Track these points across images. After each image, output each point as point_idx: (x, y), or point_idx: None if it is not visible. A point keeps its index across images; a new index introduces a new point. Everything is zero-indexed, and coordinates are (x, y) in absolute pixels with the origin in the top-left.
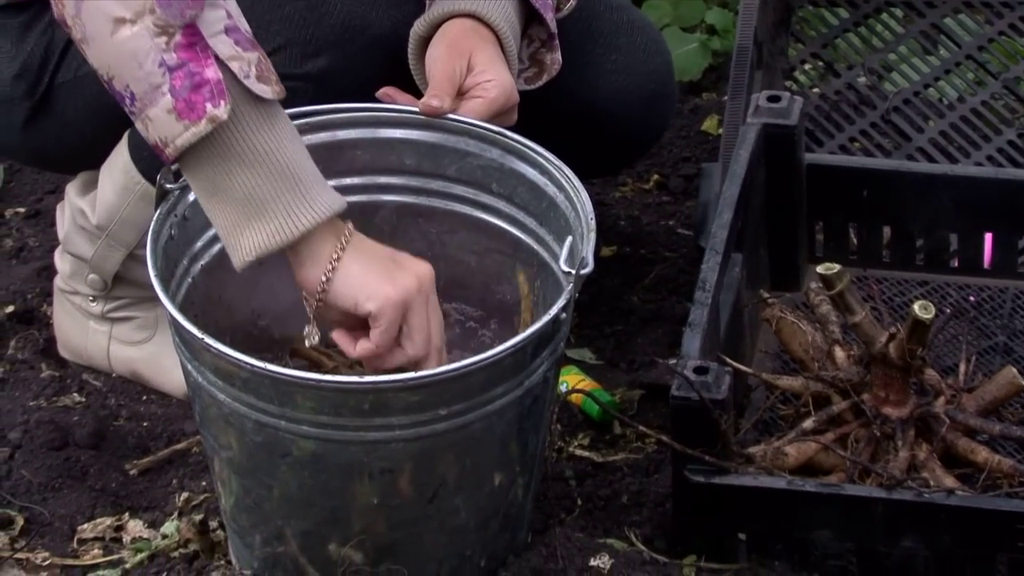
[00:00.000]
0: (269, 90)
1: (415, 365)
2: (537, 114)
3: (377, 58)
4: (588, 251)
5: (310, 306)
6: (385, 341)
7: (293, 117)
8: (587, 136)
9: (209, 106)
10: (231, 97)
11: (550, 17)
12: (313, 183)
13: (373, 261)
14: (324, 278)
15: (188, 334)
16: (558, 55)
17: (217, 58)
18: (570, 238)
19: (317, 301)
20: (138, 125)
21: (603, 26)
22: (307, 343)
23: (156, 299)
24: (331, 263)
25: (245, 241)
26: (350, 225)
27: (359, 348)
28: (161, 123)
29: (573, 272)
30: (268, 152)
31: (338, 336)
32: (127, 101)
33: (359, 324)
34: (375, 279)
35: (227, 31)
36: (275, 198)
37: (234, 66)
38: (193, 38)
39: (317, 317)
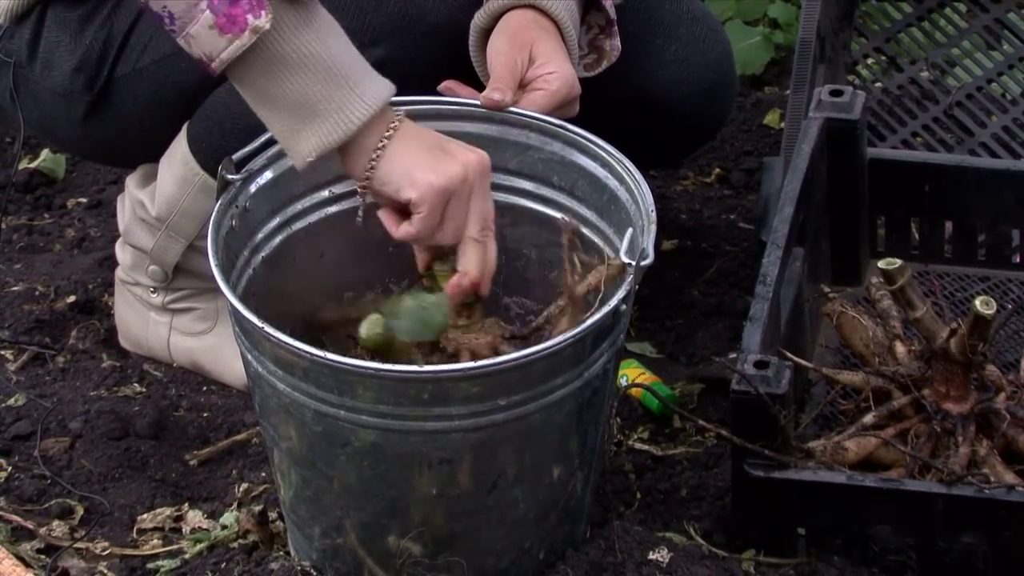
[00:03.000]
0: None
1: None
2: (597, 105)
3: (434, 47)
4: (648, 243)
5: (360, 195)
6: (426, 227)
7: None
8: (647, 126)
9: (250, 17)
10: (271, 4)
11: (609, 3)
12: (361, 76)
13: (420, 148)
14: (369, 165)
15: (248, 323)
16: (617, 41)
17: None
18: (630, 230)
19: (362, 187)
20: (180, 43)
21: (663, 16)
22: (359, 221)
23: (217, 290)
24: (375, 151)
25: (303, 144)
26: (400, 113)
27: (401, 231)
28: (203, 39)
29: (633, 263)
30: (312, 53)
31: (383, 215)
32: (166, 21)
33: (404, 208)
34: (418, 166)
35: None
36: (326, 97)
37: None
38: None
39: (364, 198)
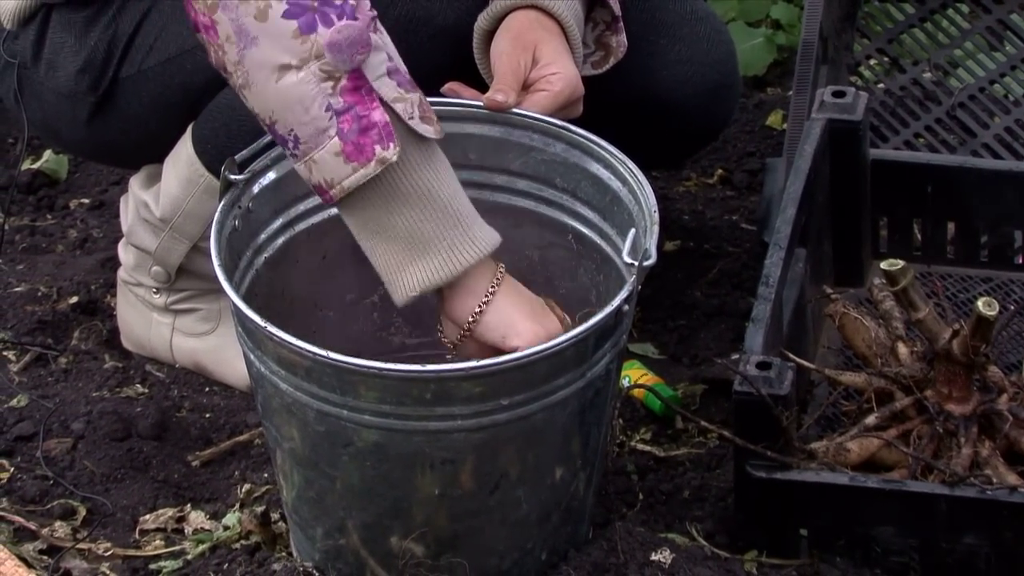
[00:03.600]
0: (431, 129)
1: None
2: (601, 105)
3: (440, 49)
4: (651, 243)
5: (450, 337)
6: None
7: None
8: (650, 127)
9: (378, 148)
10: (398, 138)
11: None
12: (473, 220)
13: (523, 302)
14: (477, 310)
15: (251, 323)
16: (623, 37)
17: (382, 100)
18: (633, 230)
19: (464, 332)
20: (299, 167)
21: (667, 16)
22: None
23: (219, 291)
24: (486, 297)
25: (408, 278)
26: (502, 265)
27: None
28: (327, 165)
29: (635, 264)
30: (431, 191)
31: None
32: (290, 144)
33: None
34: (524, 317)
35: (389, 73)
36: (438, 236)
37: (399, 107)
38: (358, 82)
39: (457, 348)
